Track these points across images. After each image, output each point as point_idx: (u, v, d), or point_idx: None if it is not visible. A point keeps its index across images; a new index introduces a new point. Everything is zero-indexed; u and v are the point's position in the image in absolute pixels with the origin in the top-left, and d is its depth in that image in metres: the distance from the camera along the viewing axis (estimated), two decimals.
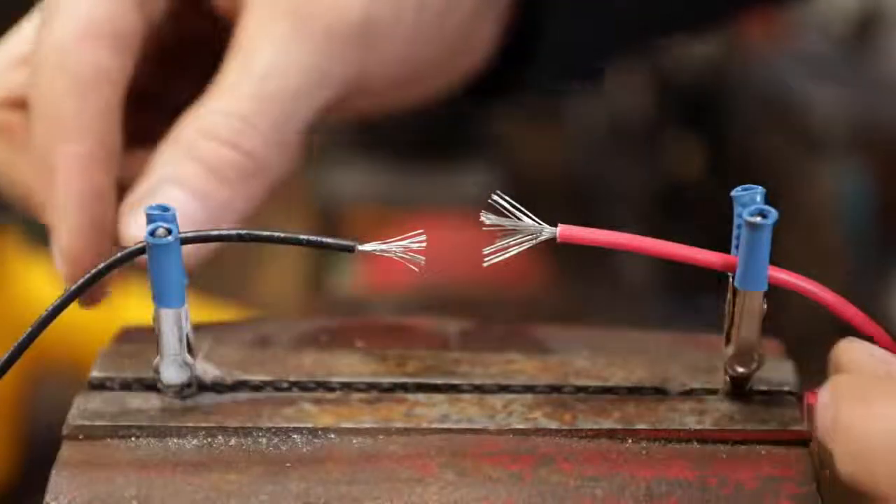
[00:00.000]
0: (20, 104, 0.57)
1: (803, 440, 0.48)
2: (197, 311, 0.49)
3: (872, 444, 0.43)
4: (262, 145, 0.55)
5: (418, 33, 0.59)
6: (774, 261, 0.46)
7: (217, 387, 0.50)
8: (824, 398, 0.45)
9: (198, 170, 0.54)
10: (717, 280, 0.48)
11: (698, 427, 0.48)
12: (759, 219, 0.45)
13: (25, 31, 0.60)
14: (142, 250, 0.46)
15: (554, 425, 0.48)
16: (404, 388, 0.50)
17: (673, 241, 0.47)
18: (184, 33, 0.60)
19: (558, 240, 0.46)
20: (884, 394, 0.44)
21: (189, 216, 0.53)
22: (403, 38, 0.59)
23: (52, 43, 0.55)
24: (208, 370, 0.50)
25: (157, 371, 0.49)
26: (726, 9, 0.78)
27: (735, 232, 0.46)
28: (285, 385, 0.50)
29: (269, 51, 0.55)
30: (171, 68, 0.61)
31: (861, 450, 0.43)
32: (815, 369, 0.49)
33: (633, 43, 0.75)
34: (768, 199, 0.45)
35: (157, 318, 0.48)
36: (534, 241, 0.46)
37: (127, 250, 0.47)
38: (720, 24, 0.83)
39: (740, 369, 0.48)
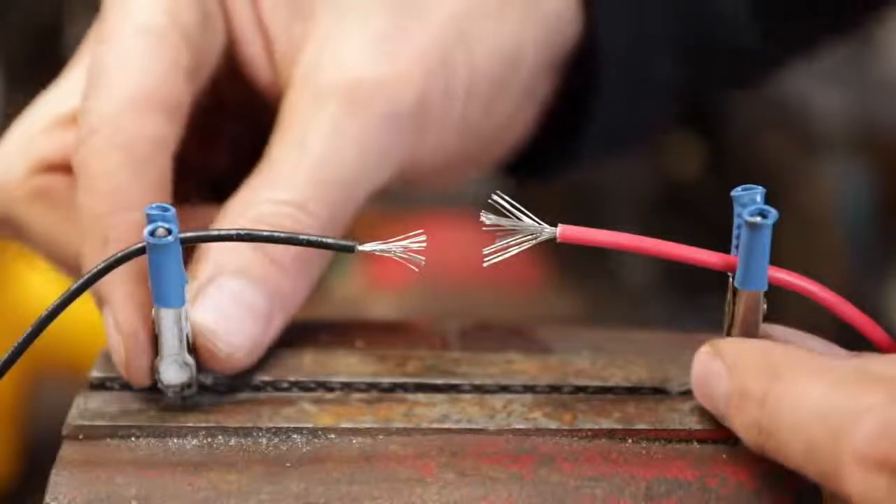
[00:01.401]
0: (59, 167, 0.56)
1: None
2: None
3: (783, 416, 0.43)
4: (319, 232, 0.52)
5: (467, 119, 0.58)
6: (774, 261, 0.46)
7: (217, 387, 0.50)
8: (716, 366, 0.45)
9: (259, 259, 0.52)
10: (717, 280, 0.48)
11: (698, 427, 0.48)
12: (759, 219, 0.45)
13: (60, 90, 0.59)
14: (142, 250, 0.46)
15: (554, 425, 0.48)
16: (404, 388, 0.50)
17: (673, 241, 0.47)
18: (219, 101, 0.59)
19: (558, 240, 0.46)
20: (793, 368, 0.43)
21: (252, 305, 0.51)
22: (453, 124, 0.58)
23: (104, 113, 0.53)
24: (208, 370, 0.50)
25: (157, 371, 0.49)
26: (771, 67, 0.77)
27: (735, 232, 0.46)
28: (285, 385, 0.50)
29: (323, 134, 0.53)
30: (205, 136, 0.59)
31: (771, 422, 0.43)
32: None
33: (676, 110, 0.74)
34: (768, 199, 0.45)
35: (157, 318, 0.48)
36: (534, 241, 0.46)
37: (127, 250, 0.47)
38: (764, 79, 0.82)
39: None
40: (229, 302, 0.50)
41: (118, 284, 0.50)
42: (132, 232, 0.50)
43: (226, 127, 0.60)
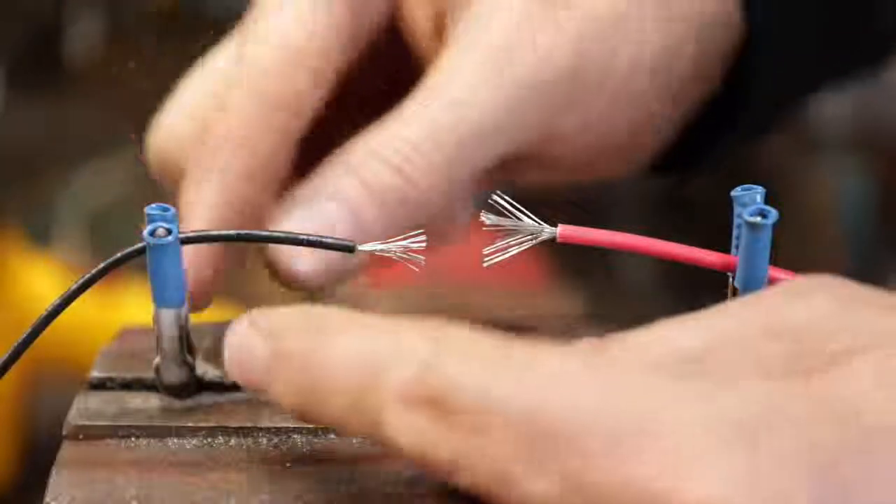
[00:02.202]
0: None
1: None
2: None
3: (324, 371, 0.41)
4: (427, 176, 0.52)
5: (614, 108, 0.56)
6: (774, 261, 0.46)
7: (217, 387, 0.50)
8: (251, 334, 0.43)
9: (355, 185, 0.51)
10: (717, 280, 0.48)
11: None
12: (759, 219, 0.45)
13: (213, 67, 0.58)
14: (142, 250, 0.46)
15: None
16: None
17: (673, 241, 0.47)
18: (374, 71, 0.58)
19: (558, 240, 0.46)
20: (335, 323, 0.42)
21: (339, 229, 0.51)
22: (600, 109, 0.56)
23: (255, 64, 0.53)
24: (208, 370, 0.50)
25: (157, 371, 0.49)
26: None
27: (735, 232, 0.46)
28: None
29: (458, 84, 0.52)
30: (350, 103, 0.58)
31: (312, 380, 0.41)
32: None
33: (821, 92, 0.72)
34: (768, 199, 0.45)
35: (157, 318, 0.48)
36: (534, 241, 0.46)
37: (127, 250, 0.47)
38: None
39: None
40: (315, 225, 0.51)
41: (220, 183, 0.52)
42: (246, 176, 0.52)
43: (373, 97, 0.58)
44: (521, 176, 0.58)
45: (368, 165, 0.52)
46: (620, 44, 0.55)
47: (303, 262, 0.51)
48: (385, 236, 0.50)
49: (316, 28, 0.53)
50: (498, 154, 0.54)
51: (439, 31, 0.56)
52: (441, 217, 0.55)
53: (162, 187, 0.57)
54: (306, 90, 0.53)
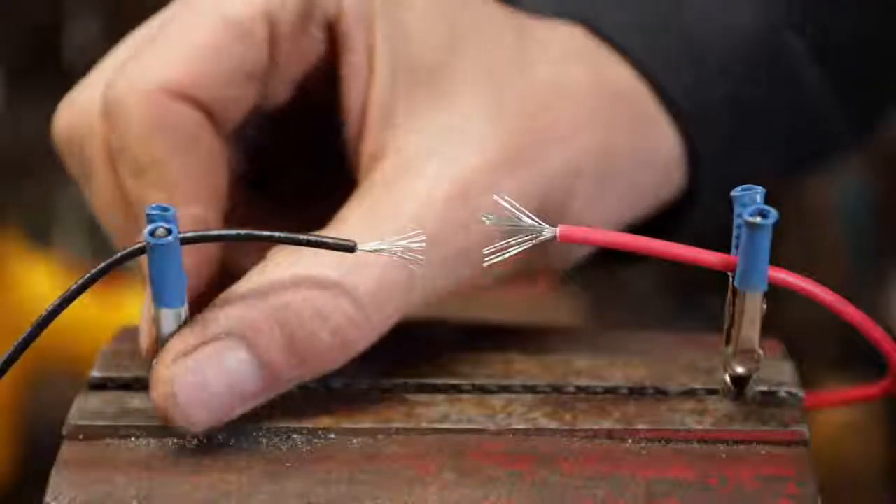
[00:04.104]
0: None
1: (803, 440, 0.48)
2: None
3: None
4: (363, 337, 0.49)
5: (551, 254, 0.55)
6: (774, 261, 0.46)
7: None
8: None
9: (279, 342, 0.47)
10: (717, 280, 0.48)
11: (698, 427, 0.48)
12: (759, 219, 0.45)
13: None
14: (142, 250, 0.46)
15: (554, 425, 0.48)
16: (404, 388, 0.50)
17: (673, 241, 0.47)
18: (301, 100, 0.54)
19: (558, 240, 0.46)
20: None
21: (241, 385, 0.47)
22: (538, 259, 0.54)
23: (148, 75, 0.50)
24: None
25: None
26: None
27: (735, 232, 0.46)
28: None
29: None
30: (277, 153, 0.56)
31: None
32: (814, 369, 0.49)
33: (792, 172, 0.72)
34: (768, 199, 0.45)
35: (157, 318, 0.48)
36: (534, 241, 0.46)
37: (127, 250, 0.47)
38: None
39: (740, 369, 0.48)
40: (222, 379, 0.47)
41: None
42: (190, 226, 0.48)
43: (298, 131, 0.56)
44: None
45: (303, 322, 0.48)
46: (583, 201, 0.54)
47: (198, 417, 0.47)
48: (287, 388, 0.48)
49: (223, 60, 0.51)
50: (424, 305, 0.51)
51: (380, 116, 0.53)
52: None
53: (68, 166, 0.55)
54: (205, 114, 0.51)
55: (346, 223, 0.50)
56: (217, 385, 0.47)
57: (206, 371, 0.47)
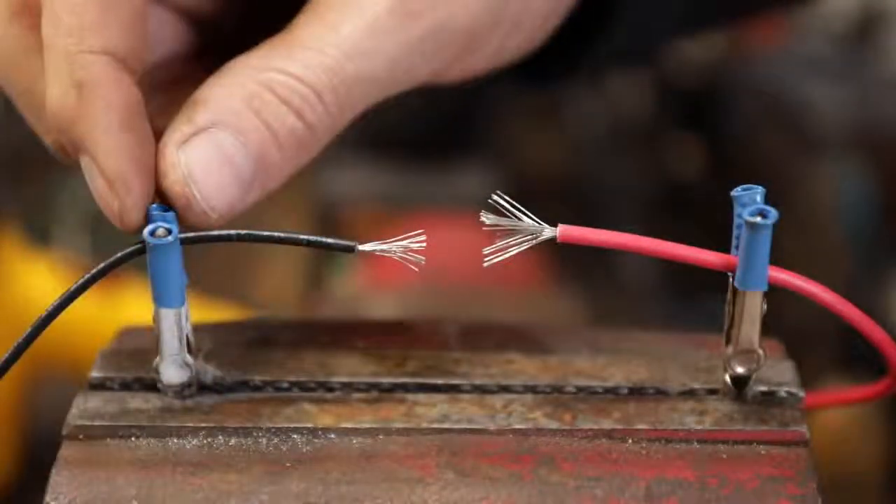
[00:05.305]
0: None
1: (803, 440, 0.48)
2: (197, 311, 0.49)
3: None
4: (322, 121, 0.51)
5: (502, 48, 0.56)
6: (774, 261, 0.46)
7: (217, 387, 0.50)
8: None
9: (258, 126, 0.49)
10: (717, 280, 0.48)
11: (698, 427, 0.48)
12: (759, 219, 0.45)
13: None
14: (142, 250, 0.46)
15: (554, 425, 0.48)
16: (404, 388, 0.50)
17: (673, 241, 0.47)
18: None
19: (558, 240, 0.46)
20: None
21: (238, 167, 0.49)
22: (489, 53, 0.55)
23: None
24: (208, 370, 0.50)
25: (157, 371, 0.49)
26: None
27: (735, 232, 0.46)
28: (285, 385, 0.50)
29: (359, 29, 0.51)
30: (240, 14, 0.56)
31: None
32: (814, 369, 0.49)
33: (688, 26, 0.73)
34: (768, 199, 0.45)
35: (157, 318, 0.48)
36: (534, 241, 0.46)
37: (127, 250, 0.47)
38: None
39: (740, 369, 0.48)
40: (219, 158, 0.49)
41: (102, 133, 0.48)
42: (107, 74, 0.48)
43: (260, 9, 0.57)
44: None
45: (271, 105, 0.50)
46: None
47: (217, 197, 0.49)
48: (282, 181, 0.50)
49: None
50: (388, 96, 0.53)
51: None
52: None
53: None
54: None
55: (293, 32, 0.51)
56: (220, 165, 0.49)
57: (209, 152, 0.49)
